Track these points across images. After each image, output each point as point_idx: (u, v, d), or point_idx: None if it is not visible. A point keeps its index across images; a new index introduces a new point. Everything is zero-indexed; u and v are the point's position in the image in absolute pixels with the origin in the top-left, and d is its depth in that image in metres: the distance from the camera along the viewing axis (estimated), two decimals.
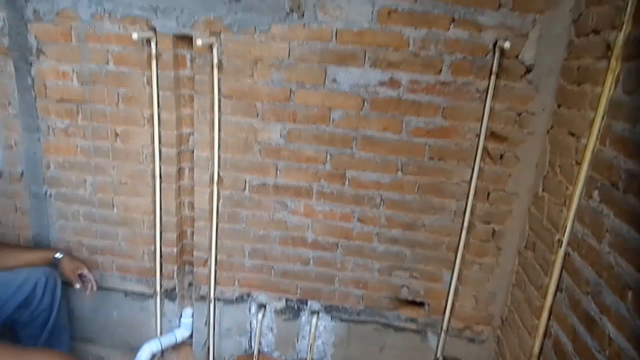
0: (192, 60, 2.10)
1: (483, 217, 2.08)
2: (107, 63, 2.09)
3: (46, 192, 2.33)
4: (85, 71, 2.11)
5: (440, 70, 1.93)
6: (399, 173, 2.09)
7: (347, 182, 2.14)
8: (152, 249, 2.36)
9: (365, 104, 2.01)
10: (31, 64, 2.13)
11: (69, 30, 2.06)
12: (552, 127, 1.85)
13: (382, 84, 1.98)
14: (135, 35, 1.91)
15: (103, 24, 2.03)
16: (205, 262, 2.35)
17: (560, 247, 1.61)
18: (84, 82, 2.13)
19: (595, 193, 1.43)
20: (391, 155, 2.07)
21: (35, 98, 2.17)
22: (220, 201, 2.25)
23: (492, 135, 1.98)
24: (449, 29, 1.87)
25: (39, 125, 2.22)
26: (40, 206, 2.34)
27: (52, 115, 2.20)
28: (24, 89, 2.15)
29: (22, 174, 2.30)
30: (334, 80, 2.00)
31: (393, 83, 1.97)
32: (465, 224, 2.11)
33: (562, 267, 1.60)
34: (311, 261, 2.29)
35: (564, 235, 1.59)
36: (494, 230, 2.09)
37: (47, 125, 2.22)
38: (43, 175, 2.30)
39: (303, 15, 1.92)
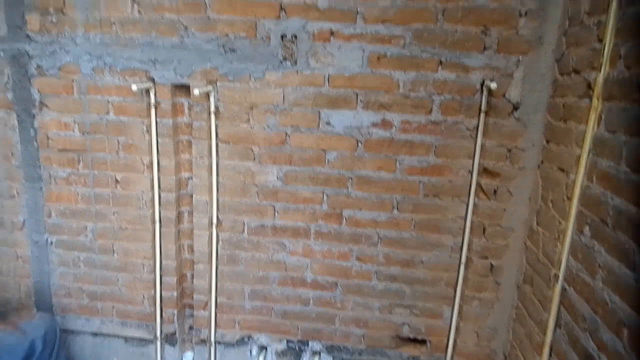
0: (189, 108, 2.16)
1: (480, 252, 2.10)
2: (108, 113, 2.16)
3: (47, 239, 2.36)
4: (87, 121, 2.17)
5: (431, 110, 1.98)
6: (395, 211, 2.12)
7: (344, 222, 2.17)
8: (152, 293, 2.36)
9: (359, 144, 2.06)
10: (34, 117, 2.19)
11: (70, 84, 2.13)
12: (542, 163, 1.89)
13: (374, 125, 2.03)
14: (134, 87, 1.98)
15: (104, 76, 2.11)
16: (206, 305, 2.35)
17: (557, 282, 1.62)
18: (85, 132, 2.19)
19: (587, 229, 1.45)
20: (386, 193, 2.11)
21: (38, 149, 2.23)
22: (220, 244, 2.27)
23: (485, 171, 2.02)
24: (437, 71, 1.94)
25: (41, 174, 2.26)
26: (41, 254, 2.36)
27: (53, 165, 2.25)
28: (26, 140, 2.21)
29: (23, 222, 2.33)
30: (328, 123, 2.06)
31: (385, 124, 2.02)
32: (463, 260, 2.13)
33: (560, 303, 1.61)
34: (311, 301, 2.29)
35: (559, 271, 1.61)
36: (491, 265, 2.10)
37: (48, 174, 2.26)
38: (44, 224, 2.33)
39: (296, 62, 2.00)
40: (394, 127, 2.02)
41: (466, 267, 2.13)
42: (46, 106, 2.18)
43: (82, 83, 2.13)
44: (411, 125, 2.01)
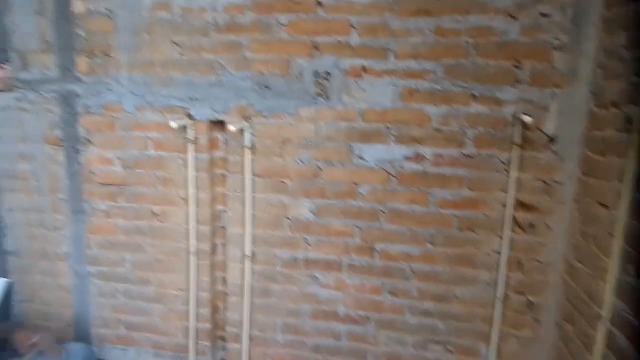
0: (225, 143, 2.23)
1: (517, 288, 2.04)
2: (147, 149, 2.25)
3: (87, 271, 2.44)
4: (128, 157, 2.27)
5: (464, 144, 1.98)
6: (428, 245, 2.10)
7: (376, 255, 2.16)
8: (186, 325, 2.39)
9: (392, 178, 2.07)
10: (79, 152, 2.30)
11: (114, 121, 2.24)
12: (580, 197, 1.84)
13: (407, 158, 2.04)
14: (173, 124, 2.07)
15: (145, 114, 2.21)
16: (238, 337, 2.36)
17: (601, 323, 1.55)
18: (126, 166, 2.28)
19: (631, 267, 1.40)
20: (419, 227, 2.09)
21: (82, 183, 2.33)
22: (253, 276, 2.29)
23: (520, 204, 1.98)
24: (469, 104, 1.94)
25: (83, 207, 2.36)
26: (82, 284, 2.44)
27: (96, 198, 2.34)
28: (72, 175, 2.32)
29: (66, 254, 2.42)
30: (360, 157, 2.08)
31: (418, 157, 2.03)
32: (499, 295, 2.07)
33: (606, 346, 1.54)
34: (343, 335, 2.27)
35: (603, 310, 1.55)
36: (529, 302, 2.04)
37: (91, 207, 2.36)
38: (85, 255, 2.42)
39: (329, 98, 2.04)
40: (426, 161, 2.03)
41: (503, 303, 2.07)
42: (91, 142, 2.29)
43: (125, 120, 2.24)
44: (444, 159, 2.01)
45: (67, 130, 2.28)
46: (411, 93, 1.98)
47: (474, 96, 1.93)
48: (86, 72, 2.22)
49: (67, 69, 2.23)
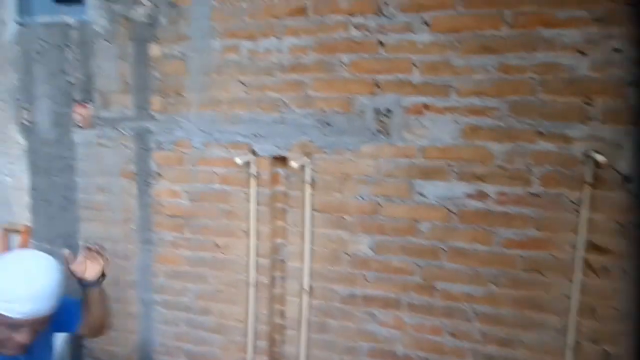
0: (286, 178, 2.28)
1: (591, 336, 1.91)
2: (213, 183, 2.35)
3: (153, 299, 2.54)
4: (194, 190, 2.38)
5: (530, 182, 1.92)
6: (492, 286, 2.02)
7: (437, 294, 2.11)
8: (244, 357, 2.42)
9: (453, 215, 2.03)
10: (150, 186, 2.44)
11: (183, 157, 2.37)
12: None
13: (469, 196, 2.00)
14: (238, 160, 2.16)
15: (211, 150, 2.32)
16: None
17: None
18: (192, 199, 2.39)
19: None
20: (482, 267, 2.03)
21: (152, 214, 2.46)
22: (310, 311, 2.29)
23: (593, 246, 1.88)
24: (535, 142, 1.89)
25: (152, 238, 2.48)
26: (148, 312, 2.54)
27: (163, 230, 2.46)
28: (143, 206, 2.46)
29: (134, 282, 2.54)
30: (421, 194, 2.06)
31: (480, 195, 1.98)
32: (570, 343, 1.94)
33: None
34: None
35: None
36: (606, 352, 1.90)
37: (159, 238, 2.48)
38: (151, 284, 2.52)
39: (390, 135, 2.06)
40: (489, 199, 1.98)
41: (574, 352, 1.94)
42: (161, 176, 2.43)
43: (193, 156, 2.36)
44: (508, 197, 1.95)
45: (141, 164, 2.44)
46: (474, 130, 1.96)
47: (540, 133, 1.88)
48: (159, 111, 2.38)
49: (142, 108, 2.40)
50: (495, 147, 1.94)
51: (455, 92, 1.95)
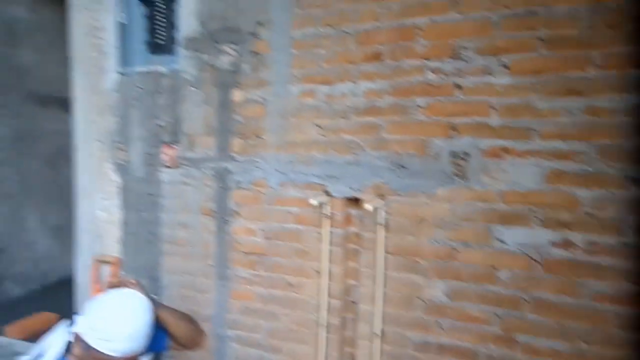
0: (359, 219, 2.29)
1: None
2: (287, 222, 2.40)
3: (227, 334, 2.60)
4: (269, 229, 2.45)
5: (623, 232, 1.78)
6: (582, 343, 1.87)
7: (518, 348, 1.98)
8: None
9: (536, 264, 1.92)
10: (228, 223, 2.55)
11: (259, 196, 2.46)
12: None
13: (553, 244, 1.89)
14: (314, 201, 2.21)
15: (287, 190, 2.39)
16: None
17: None
18: (267, 238, 2.46)
19: None
20: (570, 321, 1.88)
21: (228, 251, 2.55)
22: (382, 356, 2.23)
23: None
24: (627, 189, 1.76)
25: (228, 274, 2.57)
26: (222, 347, 2.60)
27: (239, 266, 2.54)
28: (221, 243, 2.56)
29: (210, 316, 2.63)
30: (500, 240, 1.97)
31: (566, 244, 1.87)
32: None
33: None
34: None
35: None
36: None
37: (234, 274, 2.56)
38: (226, 319, 2.59)
39: (467, 178, 2.01)
40: (577, 248, 1.85)
41: None
42: (238, 214, 2.52)
43: (269, 195, 2.44)
44: (599, 247, 1.82)
45: (220, 202, 2.55)
46: (558, 175, 1.86)
47: (632, 179, 1.75)
48: (239, 152, 2.50)
49: (223, 149, 2.53)
50: (583, 193, 1.83)
51: (538, 135, 1.88)
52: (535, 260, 1.92)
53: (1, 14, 3.91)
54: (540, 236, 1.90)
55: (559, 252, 1.88)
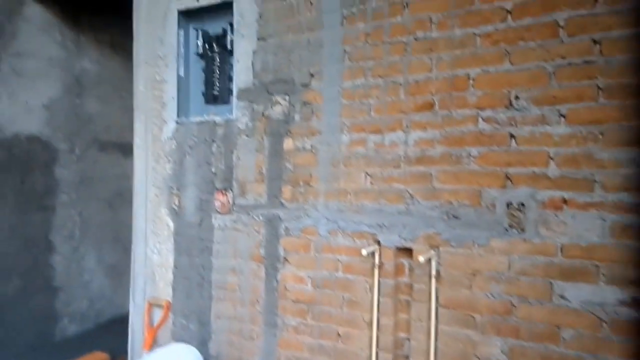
0: (410, 270, 2.24)
1: None
2: (337, 271, 2.38)
3: None
4: (318, 277, 2.43)
5: None
6: None
7: None
8: None
9: (603, 324, 1.79)
10: (277, 270, 2.56)
11: (309, 243, 2.46)
12: None
13: (622, 303, 1.77)
14: (364, 252, 2.18)
15: (336, 238, 2.38)
16: None
17: None
18: (316, 286, 2.44)
19: None
20: None
21: (277, 298, 2.55)
22: None
23: None
24: None
25: (276, 321, 2.56)
26: None
27: (287, 314, 2.52)
28: (270, 290, 2.57)
29: None
30: (562, 297, 1.87)
31: (637, 303, 1.74)
32: None
33: None
34: None
35: None
36: None
37: (282, 322, 2.54)
38: None
39: (523, 230, 1.94)
40: None
41: None
42: (288, 261, 2.53)
43: (318, 243, 2.44)
44: None
45: (270, 249, 2.58)
46: (624, 229, 1.76)
47: None
48: (289, 199, 2.53)
49: (274, 196, 2.58)
50: None
51: (600, 187, 1.80)
52: (601, 320, 1.80)
53: (73, 68, 4.24)
54: (606, 294, 1.79)
55: (628, 312, 1.75)
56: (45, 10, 3.96)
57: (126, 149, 4.64)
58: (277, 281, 2.56)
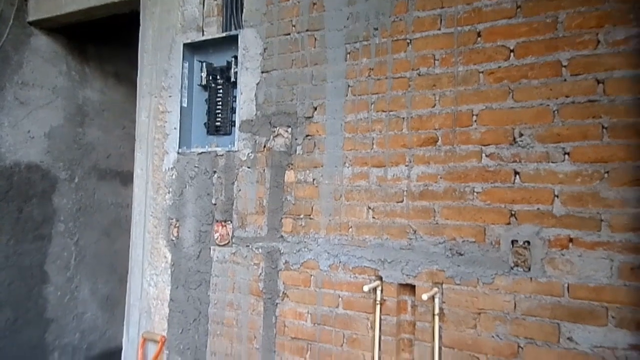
0: (413, 307, 2.18)
1: None
2: (337, 307, 2.32)
3: None
4: (318, 313, 2.37)
5: None
6: None
7: None
8: None
9: None
10: (276, 305, 2.49)
11: (309, 278, 2.41)
12: None
13: (633, 347, 1.71)
14: (365, 288, 2.13)
15: (337, 273, 2.33)
16: None
17: None
18: (316, 322, 2.37)
19: None
20: None
21: (275, 335, 2.48)
22: None
23: None
24: None
25: (274, 359, 2.47)
26: None
27: (285, 352, 2.44)
28: (268, 326, 2.50)
29: None
30: (570, 339, 1.81)
31: None
32: None
33: None
34: None
35: None
36: None
37: (280, 359, 2.45)
38: None
39: (529, 269, 1.90)
40: None
41: None
42: (287, 296, 2.47)
43: (319, 278, 2.38)
44: None
45: (269, 283, 2.52)
46: (633, 270, 1.72)
47: None
48: (290, 232, 2.49)
49: (274, 229, 2.54)
50: None
51: (607, 226, 1.77)
52: None
53: (77, 97, 4.26)
54: (617, 337, 1.73)
55: (639, 357, 1.69)
56: (53, 41, 4.01)
57: (125, 178, 4.61)
58: (275, 317, 2.49)
